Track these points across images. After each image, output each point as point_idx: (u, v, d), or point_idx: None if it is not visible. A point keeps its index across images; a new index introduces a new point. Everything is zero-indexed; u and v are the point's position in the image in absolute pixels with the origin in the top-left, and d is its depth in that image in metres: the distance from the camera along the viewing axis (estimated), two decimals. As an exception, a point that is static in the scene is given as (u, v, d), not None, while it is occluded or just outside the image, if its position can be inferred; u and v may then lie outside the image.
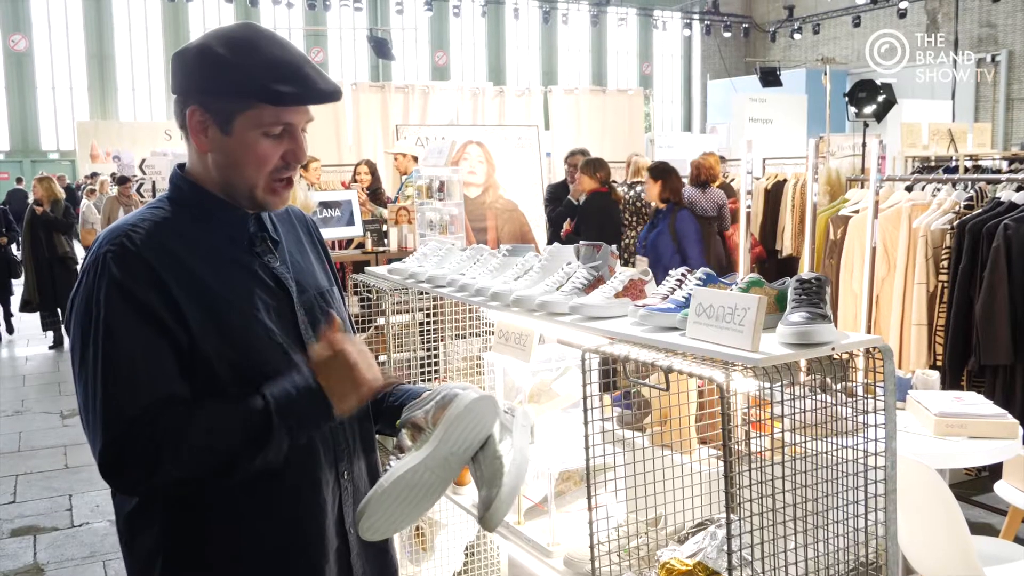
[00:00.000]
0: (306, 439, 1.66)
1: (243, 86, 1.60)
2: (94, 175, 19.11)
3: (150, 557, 1.63)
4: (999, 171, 8.02)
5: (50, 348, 10.20)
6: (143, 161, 11.91)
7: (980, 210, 5.07)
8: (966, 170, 7.46)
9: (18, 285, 10.72)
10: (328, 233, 6.98)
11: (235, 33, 1.66)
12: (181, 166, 1.73)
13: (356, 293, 3.37)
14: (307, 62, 1.67)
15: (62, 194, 10.53)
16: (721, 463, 1.90)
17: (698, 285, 2.09)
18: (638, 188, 7.88)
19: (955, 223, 5.08)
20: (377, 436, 1.96)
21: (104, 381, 1.52)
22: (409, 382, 2.65)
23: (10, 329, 10.65)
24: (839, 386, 1.94)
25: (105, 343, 1.53)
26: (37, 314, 10.29)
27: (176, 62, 1.66)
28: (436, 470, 1.74)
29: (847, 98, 9.18)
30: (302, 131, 1.69)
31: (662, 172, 6.73)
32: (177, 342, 1.56)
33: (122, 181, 12.03)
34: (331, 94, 1.68)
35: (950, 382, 4.91)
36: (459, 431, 1.78)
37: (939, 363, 5.07)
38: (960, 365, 5.01)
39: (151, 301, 1.54)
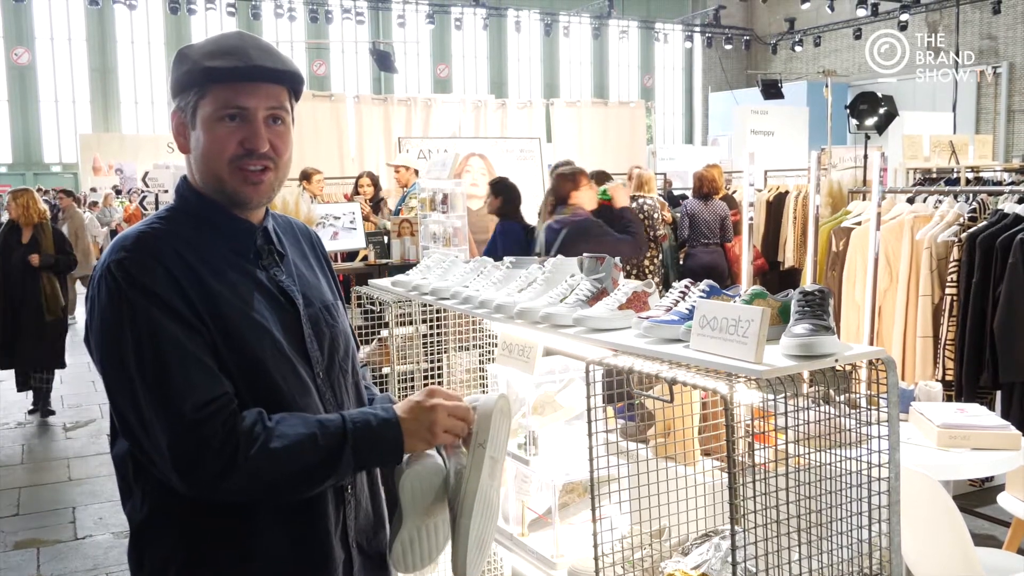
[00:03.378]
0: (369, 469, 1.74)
1: (191, 72, 1.63)
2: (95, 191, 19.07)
3: (161, 570, 1.62)
4: (1000, 183, 8.03)
5: (30, 413, 7.76)
6: (146, 174, 11.85)
7: (987, 222, 5.01)
8: (967, 182, 7.46)
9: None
10: (331, 245, 7.00)
11: (210, 36, 1.70)
12: (186, 177, 1.74)
13: (359, 305, 3.38)
14: (257, 45, 1.65)
15: (47, 213, 7.75)
16: (725, 475, 1.91)
17: (702, 297, 2.10)
18: (640, 200, 7.91)
19: (962, 235, 5.03)
20: None
21: (156, 380, 1.50)
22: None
23: None
24: (842, 398, 1.94)
25: (145, 345, 1.51)
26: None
27: None
28: (495, 478, 1.85)
29: (848, 110, 9.19)
30: (272, 121, 1.66)
31: (498, 188, 6.57)
32: (207, 342, 1.56)
33: (68, 194, 11.36)
34: (271, 71, 1.64)
35: (966, 397, 4.81)
36: (501, 433, 1.86)
37: (947, 377, 5.00)
38: (976, 381, 4.91)
39: (175, 303, 1.54)
